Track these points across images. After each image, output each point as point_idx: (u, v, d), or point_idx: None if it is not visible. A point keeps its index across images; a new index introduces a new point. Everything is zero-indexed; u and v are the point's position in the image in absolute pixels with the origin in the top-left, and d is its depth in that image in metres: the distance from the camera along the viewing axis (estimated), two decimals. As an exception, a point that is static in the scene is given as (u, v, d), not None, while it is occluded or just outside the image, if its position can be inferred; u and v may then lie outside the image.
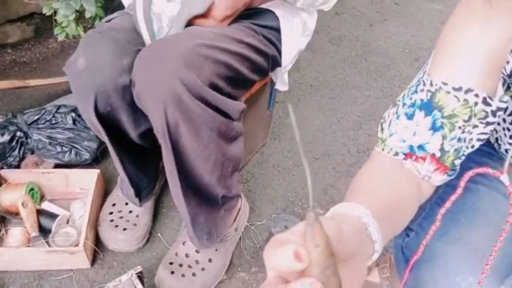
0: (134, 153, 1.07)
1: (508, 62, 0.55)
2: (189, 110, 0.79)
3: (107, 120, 0.93)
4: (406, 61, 2.04)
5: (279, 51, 1.02)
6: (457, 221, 0.74)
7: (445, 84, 0.57)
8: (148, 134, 1.04)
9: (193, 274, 1.09)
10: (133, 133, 0.98)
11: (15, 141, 1.31)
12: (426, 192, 0.65)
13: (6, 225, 1.19)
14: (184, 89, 0.77)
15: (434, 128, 0.58)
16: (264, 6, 1.01)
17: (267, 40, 0.97)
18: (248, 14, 0.97)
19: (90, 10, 1.37)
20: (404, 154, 0.61)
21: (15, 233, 1.14)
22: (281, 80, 1.14)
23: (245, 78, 0.93)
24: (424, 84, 0.60)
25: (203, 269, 1.11)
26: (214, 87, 0.82)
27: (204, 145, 0.85)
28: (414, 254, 0.78)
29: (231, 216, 1.16)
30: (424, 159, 0.60)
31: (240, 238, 1.25)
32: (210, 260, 1.12)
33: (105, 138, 0.97)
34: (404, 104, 0.62)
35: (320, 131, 1.61)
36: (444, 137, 0.58)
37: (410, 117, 0.60)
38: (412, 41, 2.20)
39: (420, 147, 0.60)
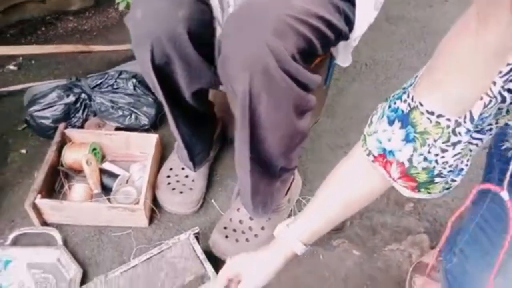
0: (188, 115, 1.10)
1: (495, 84, 0.54)
2: (274, 81, 0.79)
3: (163, 74, 0.95)
4: (467, 44, 1.96)
5: (351, 25, 1.00)
6: None
7: (421, 104, 0.59)
8: (200, 96, 1.07)
9: (247, 240, 1.12)
10: (187, 91, 1.00)
11: (79, 103, 1.37)
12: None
13: (69, 181, 1.25)
14: (272, 59, 0.76)
15: (407, 139, 0.61)
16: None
17: (345, 15, 0.95)
18: None
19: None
20: (375, 156, 0.66)
21: (78, 189, 1.20)
22: (345, 55, 1.12)
23: (315, 53, 0.92)
24: (408, 96, 0.61)
25: (256, 235, 1.13)
26: (295, 60, 0.82)
27: (280, 117, 0.86)
28: (457, 282, 0.77)
29: (285, 188, 1.17)
30: (391, 163, 0.64)
31: (291, 210, 1.26)
32: (262, 228, 1.14)
33: (160, 94, 0.99)
34: (389, 106, 0.64)
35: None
36: (414, 149, 0.61)
37: (390, 123, 0.63)
38: (473, 24, 2.11)
39: (391, 152, 0.64)
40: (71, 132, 1.30)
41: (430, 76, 0.59)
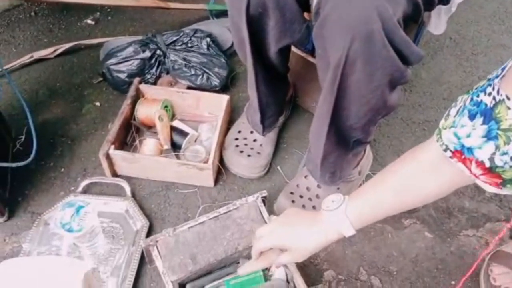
0: (268, 74, 1.07)
1: None
2: (374, 50, 0.72)
3: (254, 26, 0.91)
4: None
5: None
6: None
7: (508, 98, 0.53)
8: (284, 54, 1.04)
9: (313, 207, 1.09)
10: (273, 47, 0.97)
11: (154, 59, 1.37)
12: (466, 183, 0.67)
13: (140, 136, 1.26)
14: (379, 27, 0.70)
15: (488, 136, 0.56)
16: None
17: None
18: None
19: None
20: (453, 151, 0.61)
21: (149, 144, 1.21)
22: (439, 21, 1.03)
23: (416, 18, 0.84)
24: (493, 89, 0.55)
25: (323, 204, 1.09)
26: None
27: (371, 90, 0.80)
28: None
29: (355, 160, 1.13)
30: (470, 161, 0.59)
31: (360, 185, 1.21)
32: (331, 197, 1.10)
33: (246, 48, 0.96)
34: (471, 99, 0.59)
35: (458, 88, 1.47)
36: (497, 148, 0.55)
37: (471, 117, 0.58)
38: None
39: (470, 149, 0.58)
40: (144, 88, 1.31)
41: None
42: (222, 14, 1.69)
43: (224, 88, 1.42)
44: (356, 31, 0.71)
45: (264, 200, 1.03)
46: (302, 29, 0.94)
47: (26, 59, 1.48)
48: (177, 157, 1.19)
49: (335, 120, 0.88)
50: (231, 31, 1.01)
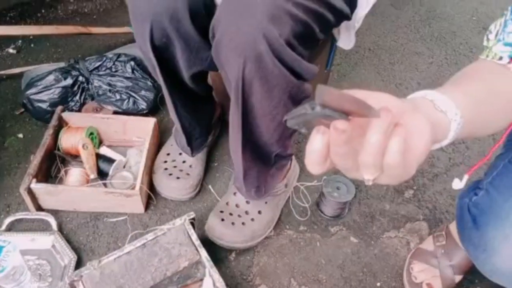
0: (187, 98, 1.08)
1: None
2: (267, 69, 0.77)
3: (162, 55, 0.93)
4: (474, 29, 1.92)
5: (353, 4, 0.97)
6: None
7: None
8: (200, 79, 1.06)
9: (243, 223, 1.11)
10: (185, 73, 0.98)
11: (77, 86, 1.35)
12: None
13: (66, 166, 1.24)
14: (266, 47, 0.74)
15: None
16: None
17: None
18: None
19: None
20: (510, 57, 0.61)
21: (74, 173, 1.19)
22: (347, 37, 1.09)
23: (315, 37, 0.89)
24: None
25: (252, 219, 1.12)
26: (290, 46, 0.79)
27: (274, 106, 0.84)
28: (483, 212, 0.76)
29: (281, 173, 1.16)
30: None
31: (289, 197, 1.24)
32: (259, 212, 1.13)
33: (159, 76, 0.97)
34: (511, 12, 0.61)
35: (377, 96, 1.55)
36: None
37: None
38: (481, 8, 2.06)
39: None
40: (68, 116, 1.28)
41: None
42: (148, 36, 1.69)
43: (153, 111, 1.42)
44: (246, 54, 0.75)
45: (192, 222, 1.03)
46: (210, 56, 0.96)
47: None
48: (105, 185, 1.17)
49: (248, 138, 0.90)
50: (144, 59, 1.02)
